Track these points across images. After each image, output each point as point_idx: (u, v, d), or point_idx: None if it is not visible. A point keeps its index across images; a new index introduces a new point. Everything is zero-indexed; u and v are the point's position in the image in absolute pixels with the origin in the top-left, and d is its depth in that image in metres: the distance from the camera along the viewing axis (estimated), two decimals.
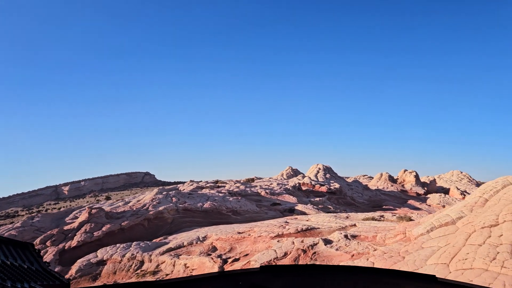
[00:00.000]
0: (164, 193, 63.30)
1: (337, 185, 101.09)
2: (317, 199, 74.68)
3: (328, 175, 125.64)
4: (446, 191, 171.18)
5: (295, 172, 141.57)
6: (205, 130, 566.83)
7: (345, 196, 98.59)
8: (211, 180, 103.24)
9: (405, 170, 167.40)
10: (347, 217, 43.95)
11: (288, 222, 40.79)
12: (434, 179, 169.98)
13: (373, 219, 41.79)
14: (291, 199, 71.39)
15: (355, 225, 35.27)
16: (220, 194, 67.16)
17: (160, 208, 53.09)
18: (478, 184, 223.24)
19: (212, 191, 70.99)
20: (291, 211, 59.82)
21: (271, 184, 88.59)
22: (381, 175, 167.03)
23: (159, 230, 50.37)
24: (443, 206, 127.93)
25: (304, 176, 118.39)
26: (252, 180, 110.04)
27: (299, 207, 62.89)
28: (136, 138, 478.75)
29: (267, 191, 74.37)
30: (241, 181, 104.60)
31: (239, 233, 37.00)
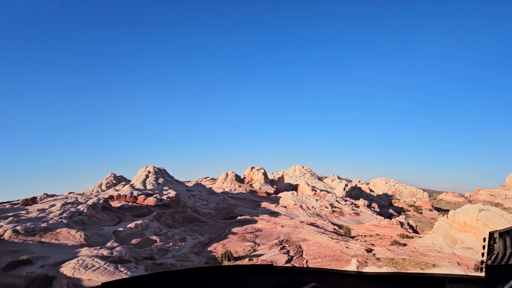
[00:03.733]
0: None
1: (172, 193, 69.41)
2: (132, 224, 40.45)
3: (161, 180, 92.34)
4: (294, 187, 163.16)
5: (119, 180, 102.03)
6: None
7: (185, 208, 67.90)
8: None
9: (252, 168, 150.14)
10: None
11: None
12: (282, 176, 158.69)
13: None
14: (70, 238, 34.77)
15: None
16: None
17: None
18: (320, 178, 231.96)
19: None
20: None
21: (48, 209, 48.69)
22: (227, 175, 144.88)
23: None
24: (301, 207, 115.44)
25: (125, 185, 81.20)
26: (32, 200, 65.53)
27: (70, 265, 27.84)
28: None
29: (18, 227, 35.22)
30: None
31: None
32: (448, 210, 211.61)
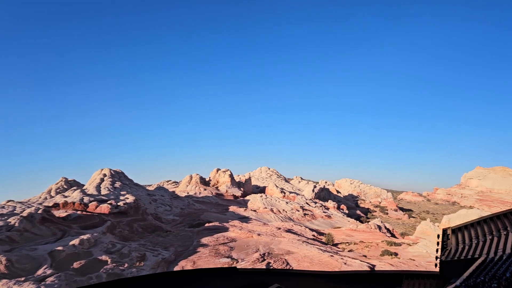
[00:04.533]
0: None
1: (130, 198, 60.99)
2: (76, 241, 32.41)
3: (118, 184, 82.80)
4: (262, 189, 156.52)
5: (71, 185, 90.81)
6: None
7: (145, 215, 59.79)
8: None
9: (218, 170, 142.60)
10: None
11: None
12: (250, 178, 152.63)
13: None
14: None
15: None
16: None
17: None
18: (286, 180, 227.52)
19: None
20: None
21: None
22: (191, 177, 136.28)
23: None
24: (272, 210, 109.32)
25: (77, 190, 71.22)
26: None
27: None
28: None
29: None
30: None
31: None
32: (410, 210, 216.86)
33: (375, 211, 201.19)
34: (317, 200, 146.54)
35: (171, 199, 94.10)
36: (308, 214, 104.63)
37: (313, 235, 54.34)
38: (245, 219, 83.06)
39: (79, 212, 47.65)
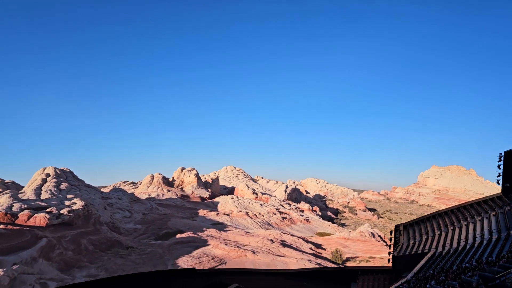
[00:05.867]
0: None
1: (78, 204, 47.65)
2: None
3: (64, 186, 67.86)
4: (230, 190, 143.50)
5: (7, 187, 74.15)
6: None
7: (98, 225, 46.74)
8: None
9: (183, 169, 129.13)
10: None
11: None
12: (217, 178, 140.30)
13: None
14: None
15: None
16: None
17: None
18: (254, 180, 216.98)
19: None
20: None
21: None
22: (152, 177, 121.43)
23: None
24: (247, 214, 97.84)
25: (6, 195, 56.04)
26: None
27: None
28: None
29: None
30: None
31: None
32: (374, 210, 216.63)
33: (344, 212, 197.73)
34: (290, 202, 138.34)
35: (131, 202, 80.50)
36: (286, 218, 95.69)
37: (311, 248, 44.80)
38: (220, 226, 71.98)
39: (1, 227, 34.13)
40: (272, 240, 42.41)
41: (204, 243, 43.89)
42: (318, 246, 48.43)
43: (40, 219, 37.85)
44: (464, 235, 14.99)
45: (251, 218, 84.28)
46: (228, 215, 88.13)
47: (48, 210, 41.79)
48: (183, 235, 51.67)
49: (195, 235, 50.51)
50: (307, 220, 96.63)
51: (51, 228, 38.01)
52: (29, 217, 38.12)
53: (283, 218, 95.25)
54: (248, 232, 59.52)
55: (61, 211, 42.00)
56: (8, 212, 37.70)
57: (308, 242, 50.21)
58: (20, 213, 38.49)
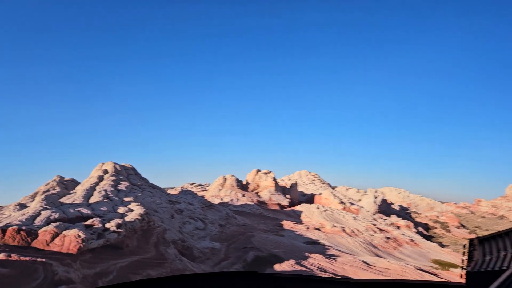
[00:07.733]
0: None
1: (136, 211, 32.62)
2: None
3: (123, 185, 53.56)
4: (309, 198, 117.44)
5: (65, 187, 64.06)
6: None
7: (163, 248, 31.12)
8: None
9: (258, 170, 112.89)
10: None
11: None
12: (296, 183, 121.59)
13: None
14: None
15: None
16: None
17: None
18: (331, 186, 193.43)
19: None
20: None
21: None
22: (225, 179, 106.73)
23: None
24: (343, 230, 75.80)
25: (36, 200, 43.71)
26: None
27: None
28: None
29: None
30: None
31: None
32: (464, 226, 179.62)
33: (436, 228, 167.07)
34: (384, 217, 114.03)
35: (203, 208, 65.19)
36: (390, 238, 73.52)
37: None
38: (318, 247, 53.13)
39: (1, 257, 18.96)
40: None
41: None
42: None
43: (70, 241, 22.31)
44: None
45: (350, 236, 64.10)
46: (318, 229, 68.78)
47: (88, 222, 26.46)
48: (284, 266, 33.85)
49: (302, 267, 32.48)
50: (412, 241, 73.44)
51: (86, 257, 22.33)
52: (53, 237, 22.91)
53: (387, 238, 73.07)
54: (368, 264, 40.02)
55: (107, 225, 26.50)
56: (24, 228, 22.69)
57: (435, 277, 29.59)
58: (42, 230, 23.39)
